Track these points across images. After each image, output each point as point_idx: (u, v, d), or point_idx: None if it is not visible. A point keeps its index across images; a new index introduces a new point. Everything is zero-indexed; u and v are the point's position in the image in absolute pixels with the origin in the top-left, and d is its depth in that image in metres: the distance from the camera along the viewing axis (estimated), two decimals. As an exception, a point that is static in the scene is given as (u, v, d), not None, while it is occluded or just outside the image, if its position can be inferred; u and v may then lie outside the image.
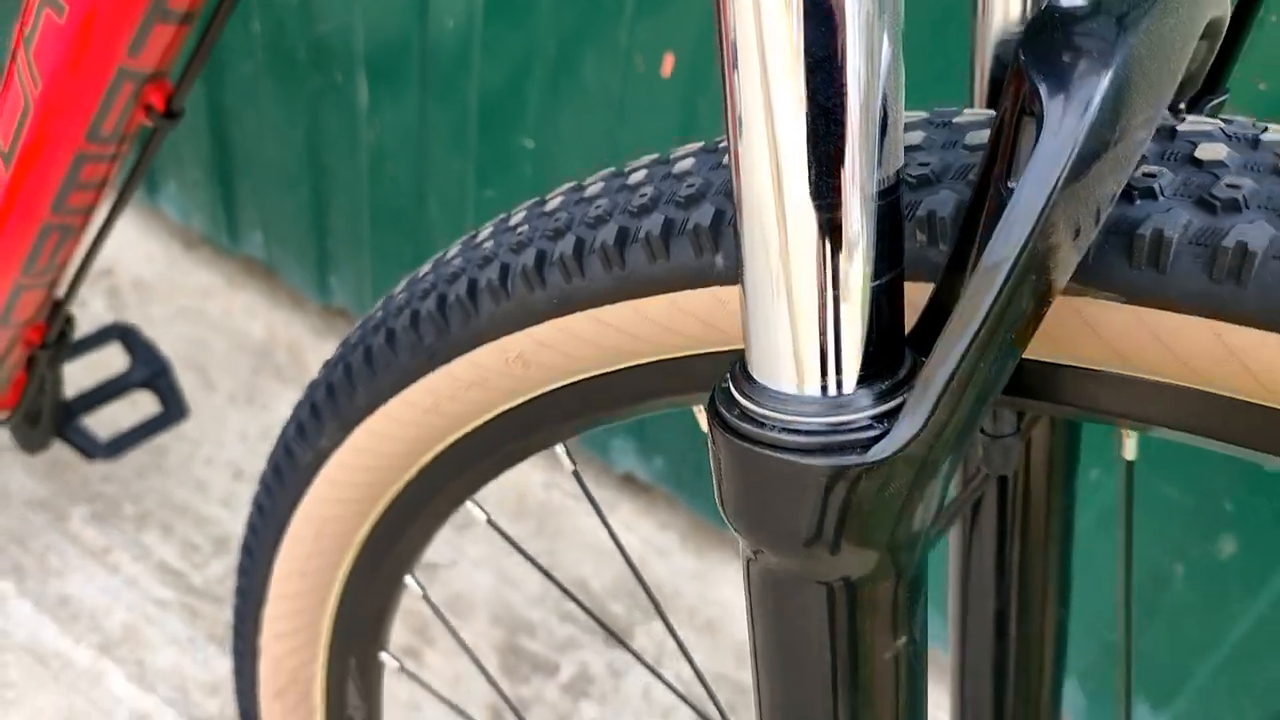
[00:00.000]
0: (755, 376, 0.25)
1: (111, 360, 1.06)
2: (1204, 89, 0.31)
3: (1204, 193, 0.24)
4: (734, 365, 0.25)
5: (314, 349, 1.33)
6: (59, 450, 1.02)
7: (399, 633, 1.04)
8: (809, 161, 0.22)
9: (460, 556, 1.12)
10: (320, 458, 0.45)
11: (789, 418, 0.24)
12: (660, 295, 0.32)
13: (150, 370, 1.03)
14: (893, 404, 0.24)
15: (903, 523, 0.25)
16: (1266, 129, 0.26)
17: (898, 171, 0.23)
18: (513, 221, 0.37)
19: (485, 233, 0.38)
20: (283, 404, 1.26)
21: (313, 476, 0.46)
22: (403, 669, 0.55)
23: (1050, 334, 0.26)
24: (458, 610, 1.08)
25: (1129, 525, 0.42)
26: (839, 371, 0.24)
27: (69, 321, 0.83)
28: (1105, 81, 0.22)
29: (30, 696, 0.97)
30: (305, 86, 1.11)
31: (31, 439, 0.92)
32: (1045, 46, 0.23)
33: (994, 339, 0.23)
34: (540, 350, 0.36)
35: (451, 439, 0.41)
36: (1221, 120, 0.26)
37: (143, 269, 1.39)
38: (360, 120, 1.10)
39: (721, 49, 0.22)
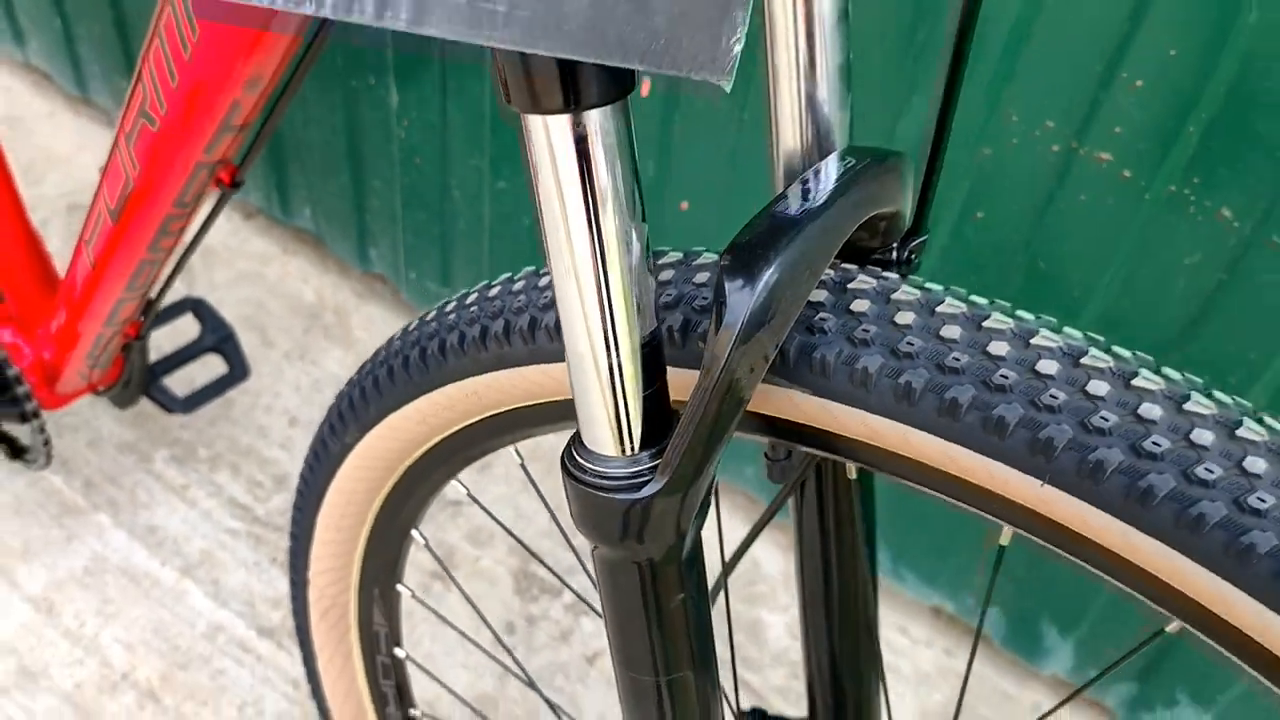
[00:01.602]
0: (584, 442, 0.41)
1: (186, 328, 1.25)
2: (910, 232, 0.46)
3: (850, 333, 0.40)
4: (574, 434, 0.42)
5: (356, 311, 1.51)
6: (143, 403, 1.22)
7: (429, 563, 1.23)
8: (603, 325, 0.38)
9: (481, 494, 1.30)
10: (347, 448, 0.62)
11: (602, 469, 0.41)
12: (558, 362, 0.48)
13: (218, 337, 1.22)
14: (659, 460, 0.40)
15: (673, 526, 0.41)
16: (899, 289, 0.41)
17: (654, 327, 0.39)
18: (469, 300, 0.53)
19: (452, 304, 0.54)
20: (329, 360, 1.45)
21: (342, 460, 0.63)
22: (414, 596, 0.73)
23: (773, 403, 0.42)
24: (479, 540, 1.27)
25: (868, 537, 0.57)
26: (628, 441, 0.40)
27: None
28: (771, 271, 0.37)
29: (126, 610, 1.18)
30: (344, 89, 1.27)
31: (122, 398, 1.11)
32: (740, 246, 0.38)
33: (713, 421, 0.39)
34: (486, 389, 0.52)
35: (433, 441, 0.58)
36: (876, 280, 0.42)
37: (209, 236, 1.58)
38: (392, 119, 1.26)
39: (548, 250, 0.38)
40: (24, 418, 0.94)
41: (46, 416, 1.01)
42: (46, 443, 1.00)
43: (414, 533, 0.68)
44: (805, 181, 0.43)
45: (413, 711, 0.81)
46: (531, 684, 0.72)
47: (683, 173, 1.04)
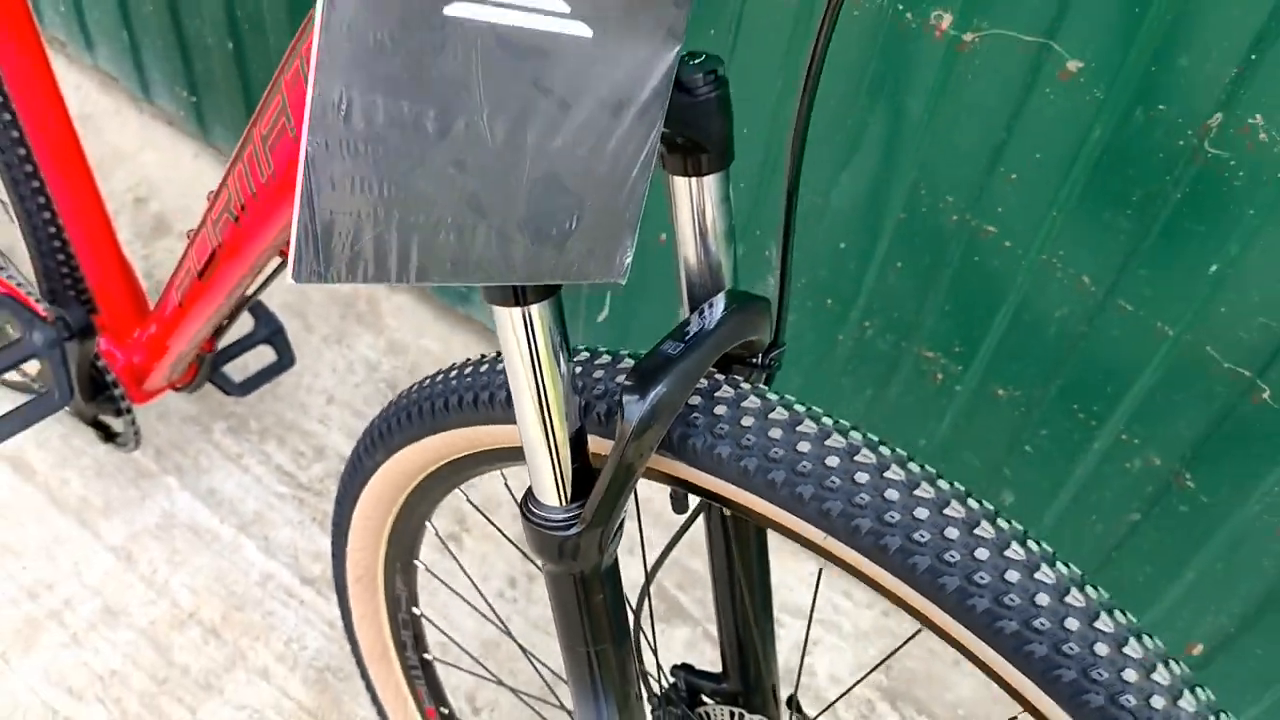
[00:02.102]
0: (535, 495, 0.62)
1: (244, 322, 1.45)
2: (771, 345, 0.66)
3: (711, 428, 0.60)
4: (528, 489, 0.62)
5: (386, 299, 1.71)
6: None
7: (447, 529, 1.45)
8: (545, 427, 0.58)
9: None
10: (376, 465, 0.83)
11: (546, 515, 0.61)
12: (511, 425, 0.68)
13: (270, 330, 1.42)
14: (582, 509, 0.61)
15: (595, 550, 0.62)
16: (747, 398, 0.61)
17: (578, 426, 0.59)
18: (451, 374, 0.73)
19: (439, 377, 0.74)
20: (362, 344, 1.66)
21: (372, 474, 0.84)
22: (427, 570, 0.94)
23: (666, 467, 0.63)
24: (489, 506, 1.48)
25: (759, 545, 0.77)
26: (563, 497, 0.61)
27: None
28: (659, 388, 0.57)
29: (191, 559, 1.41)
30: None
31: (190, 387, 1.32)
32: (639, 369, 0.58)
33: (618, 487, 0.59)
34: (469, 436, 0.73)
35: (435, 466, 0.79)
36: (734, 390, 0.61)
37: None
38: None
39: (511, 380, 0.58)
40: (118, 412, 1.15)
41: (133, 411, 1.22)
42: (135, 431, 1.22)
43: (427, 524, 0.89)
44: (700, 315, 0.63)
45: (425, 655, 1.03)
46: (507, 632, 0.94)
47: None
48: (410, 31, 0.43)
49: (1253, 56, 0.78)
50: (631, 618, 0.73)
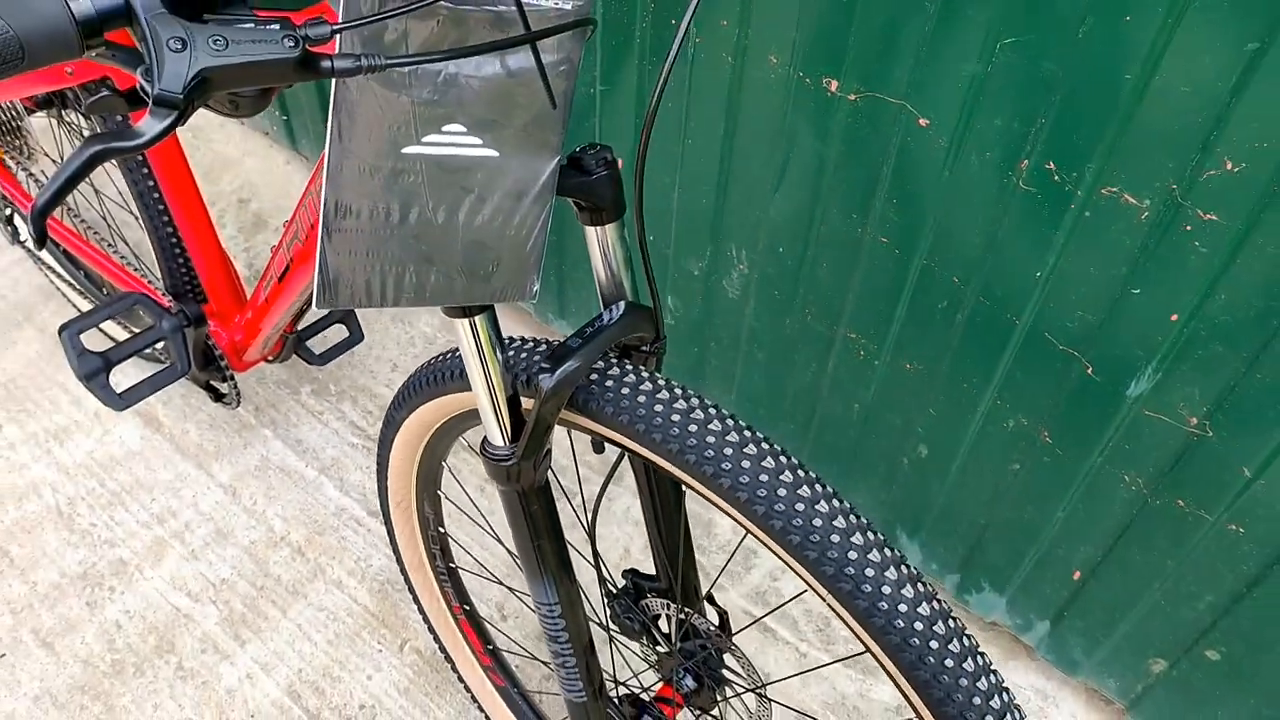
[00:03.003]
0: (488, 439, 0.93)
1: (320, 305, 1.80)
2: (654, 339, 0.95)
3: (602, 395, 0.90)
4: (484, 437, 0.93)
5: (442, 284, 2.04)
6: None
7: (470, 474, 1.77)
8: (490, 395, 0.89)
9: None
10: (402, 419, 1.15)
11: (495, 452, 0.92)
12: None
13: (343, 312, 1.76)
14: (517, 446, 0.91)
15: (530, 474, 0.93)
16: (629, 374, 0.91)
17: (512, 392, 0.90)
18: (439, 359, 1.04)
19: (433, 360, 1.06)
20: (421, 322, 1.99)
21: (400, 425, 1.16)
22: (445, 498, 1.26)
23: (574, 418, 0.93)
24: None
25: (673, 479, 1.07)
26: (505, 438, 0.92)
27: (299, 302, 1.55)
28: (568, 364, 0.88)
29: (283, 495, 1.76)
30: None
31: (278, 358, 1.67)
32: (555, 352, 0.88)
33: (540, 433, 0.90)
34: (448, 403, 1.04)
35: (441, 421, 1.11)
36: (619, 370, 0.91)
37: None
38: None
39: (465, 360, 0.89)
40: (224, 379, 1.50)
41: (235, 377, 1.57)
42: (237, 393, 1.57)
43: (444, 463, 1.22)
44: (602, 316, 0.93)
45: (451, 564, 1.35)
46: (498, 539, 1.25)
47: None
48: (382, 161, 0.74)
49: (1041, 120, 1.04)
50: (590, 540, 1.04)
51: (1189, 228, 1.02)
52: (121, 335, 1.72)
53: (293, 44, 0.56)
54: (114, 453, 1.79)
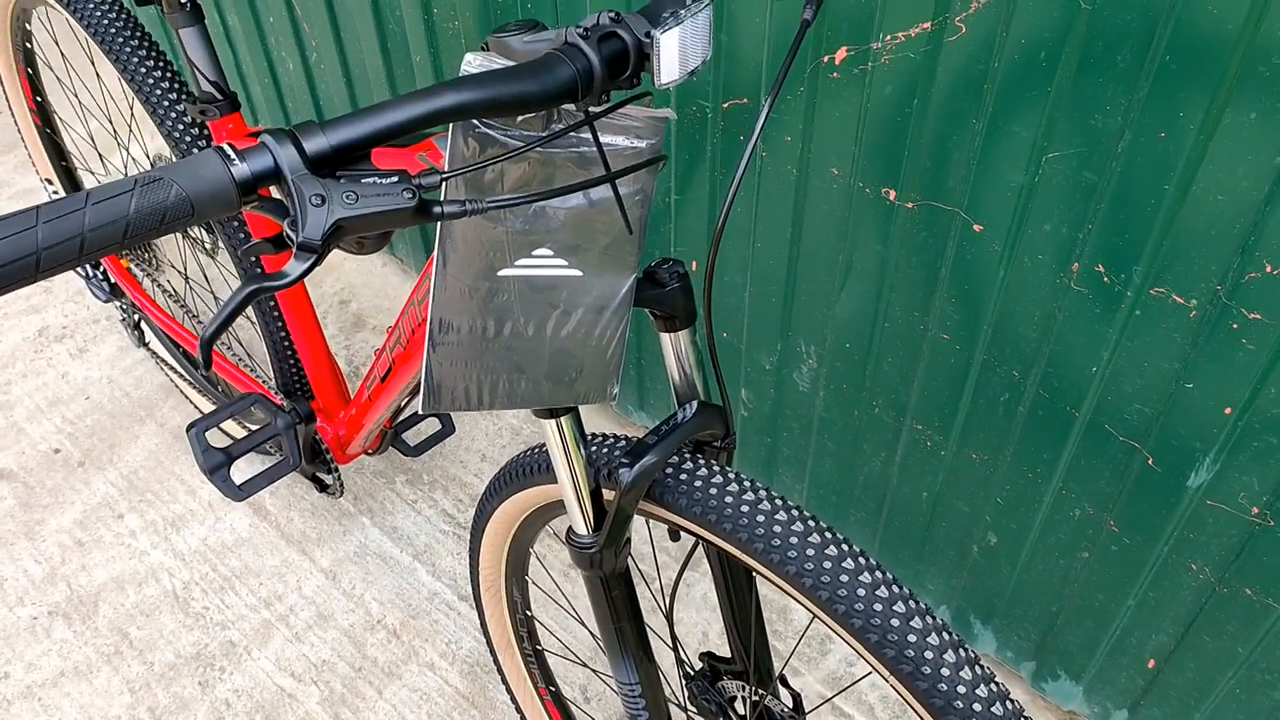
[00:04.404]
0: (573, 529, 1.01)
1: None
2: (725, 435, 1.03)
3: (678, 489, 0.98)
4: (569, 527, 1.02)
5: (528, 378, 2.15)
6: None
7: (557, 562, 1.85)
8: (574, 488, 0.98)
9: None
10: (493, 509, 1.24)
11: (579, 540, 1.00)
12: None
13: (435, 406, 1.88)
14: (599, 535, 0.99)
15: (612, 562, 1.01)
16: (701, 469, 0.98)
17: (594, 486, 0.99)
18: (527, 453, 1.14)
19: (522, 455, 1.15)
20: (507, 415, 2.10)
21: (491, 515, 1.25)
22: (533, 583, 1.34)
23: (652, 509, 1.01)
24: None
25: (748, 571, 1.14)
26: (588, 528, 1.00)
27: (397, 398, 1.67)
28: (647, 458, 0.96)
29: (379, 579, 1.86)
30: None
31: (377, 451, 1.78)
32: (635, 447, 0.97)
33: (620, 522, 0.98)
34: (536, 494, 1.13)
35: (528, 512, 1.19)
36: (694, 464, 0.99)
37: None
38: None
39: (554, 461, 0.98)
40: (329, 470, 1.62)
41: (338, 469, 1.69)
42: (340, 483, 1.68)
43: (531, 550, 1.30)
44: (677, 414, 1.01)
45: (538, 646, 1.43)
46: (580, 621, 1.32)
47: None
48: (480, 283, 0.84)
49: (1089, 225, 1.11)
50: (669, 627, 1.11)
51: (1235, 326, 1.07)
52: (238, 432, 1.85)
53: (410, 195, 0.66)
54: (225, 540, 1.91)
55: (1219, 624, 1.31)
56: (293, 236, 0.64)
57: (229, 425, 1.96)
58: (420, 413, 0.85)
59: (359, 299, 2.35)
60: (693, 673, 1.25)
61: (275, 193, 0.68)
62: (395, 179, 0.67)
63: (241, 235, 1.50)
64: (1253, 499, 1.18)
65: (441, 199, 0.71)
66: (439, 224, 0.80)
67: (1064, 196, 1.12)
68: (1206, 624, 1.33)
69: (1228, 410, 1.13)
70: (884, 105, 1.21)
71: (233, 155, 0.63)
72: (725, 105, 1.39)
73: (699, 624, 1.76)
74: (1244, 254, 1.02)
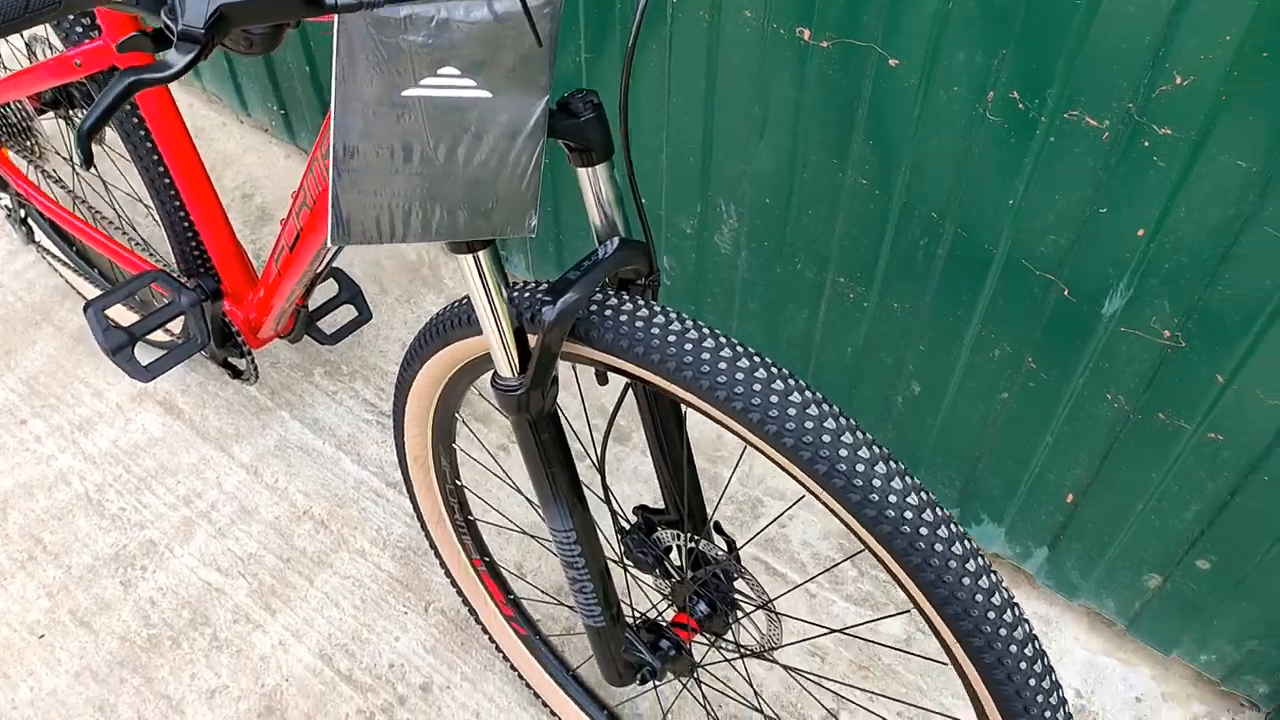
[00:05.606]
0: (498, 373, 0.99)
1: (330, 288, 1.86)
2: (649, 272, 1.01)
3: (602, 323, 0.96)
4: (493, 371, 0.99)
5: (445, 265, 2.11)
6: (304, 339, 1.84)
7: (498, 436, 1.83)
8: (498, 330, 0.96)
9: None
10: (416, 372, 1.21)
11: (505, 383, 0.98)
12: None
13: (351, 293, 1.81)
14: (524, 377, 0.97)
15: (538, 404, 0.99)
16: (625, 303, 0.97)
17: (517, 325, 0.96)
18: (446, 309, 1.11)
19: (441, 312, 1.12)
20: (427, 302, 2.06)
21: (414, 378, 1.22)
22: (463, 451, 1.32)
23: (576, 350, 0.99)
24: (529, 424, 1.86)
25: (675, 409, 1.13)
26: (513, 370, 0.98)
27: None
28: (568, 297, 0.94)
29: (303, 471, 1.83)
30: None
31: (293, 338, 1.73)
32: (555, 285, 0.95)
33: (545, 362, 0.96)
34: (458, 350, 1.10)
35: (453, 370, 1.17)
36: (617, 299, 0.97)
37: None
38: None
39: (475, 303, 0.95)
40: (241, 354, 1.57)
41: (254, 353, 1.64)
42: (255, 369, 1.63)
43: (456, 415, 1.28)
44: (597, 251, 0.99)
45: (469, 516, 1.42)
46: (515, 487, 1.31)
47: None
48: (384, 104, 0.80)
49: (1003, 51, 1.10)
50: (599, 473, 1.10)
51: (1147, 144, 1.08)
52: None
53: (301, -19, 0.62)
54: (137, 440, 1.85)
55: (1133, 452, 1.35)
56: (171, 25, 0.59)
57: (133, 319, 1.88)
58: (329, 244, 0.81)
59: (262, 192, 2.27)
60: (628, 526, 1.25)
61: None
62: (285, -34, 0.63)
63: (127, 108, 1.41)
64: (1164, 322, 1.20)
65: (337, -9, 0.67)
66: (335, 36, 0.76)
67: (978, 22, 1.10)
68: (1122, 453, 1.37)
69: (1140, 232, 1.14)
70: (796, -63, 1.18)
71: (101, -69, 0.58)
72: (633, -49, 1.34)
73: (631, 496, 1.77)
74: (1154, 67, 1.02)
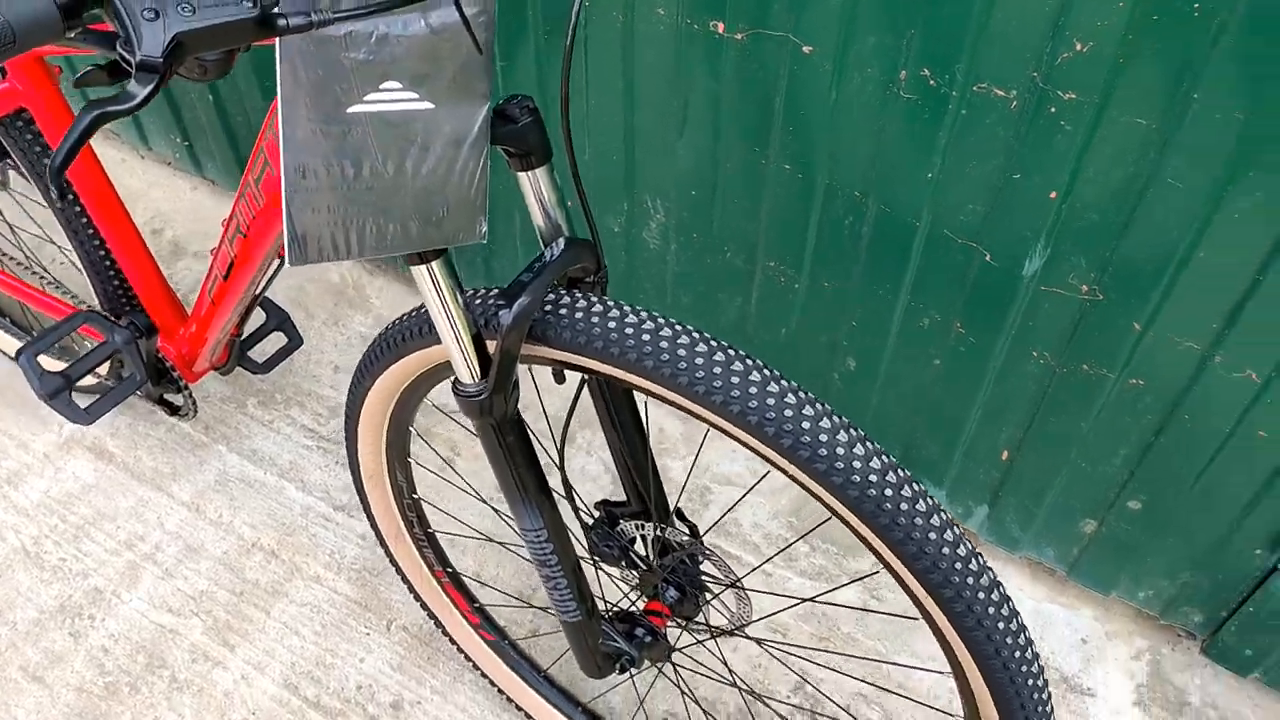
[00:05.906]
0: (459, 379, 1.00)
1: (258, 316, 1.83)
2: (596, 269, 1.04)
3: (557, 322, 0.98)
4: (454, 377, 1.01)
5: (370, 284, 2.09)
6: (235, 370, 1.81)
7: (446, 446, 1.83)
8: (455, 336, 0.97)
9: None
10: (368, 388, 1.21)
11: (466, 389, 0.99)
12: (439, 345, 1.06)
13: (279, 320, 1.79)
14: (486, 381, 0.99)
15: (501, 407, 1.00)
16: (579, 301, 0.99)
17: (475, 331, 0.98)
18: (399, 320, 1.11)
19: (393, 323, 1.12)
20: (354, 322, 2.04)
21: (366, 394, 1.22)
22: (417, 463, 1.33)
23: (535, 351, 1.01)
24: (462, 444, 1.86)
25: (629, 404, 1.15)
26: (474, 375, 0.99)
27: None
28: (522, 300, 0.95)
29: (247, 503, 1.80)
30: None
31: (225, 370, 1.71)
32: (508, 290, 0.96)
33: (505, 364, 0.97)
34: (412, 362, 1.11)
35: (408, 382, 1.17)
36: (570, 298, 0.99)
37: (255, 240, 2.16)
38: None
39: (432, 315, 0.96)
40: (178, 390, 1.54)
41: (188, 388, 1.61)
42: (193, 403, 1.61)
43: (410, 428, 1.28)
44: (544, 254, 1.01)
45: (429, 529, 1.42)
46: (479, 497, 1.32)
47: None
48: (330, 124, 0.81)
49: (911, 31, 1.15)
50: (560, 469, 1.12)
51: (1053, 110, 1.13)
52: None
53: (251, 4, 0.63)
54: (70, 489, 1.81)
55: (1062, 404, 1.42)
56: (128, 58, 0.60)
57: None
58: (289, 264, 0.82)
59: (172, 226, 2.22)
60: (591, 521, 1.26)
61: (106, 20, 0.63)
62: (234, -9, 0.64)
63: (38, 149, 1.39)
64: (1081, 278, 1.27)
65: (285, 10, 0.68)
66: (278, 59, 0.76)
67: (886, 5, 1.15)
68: (1051, 406, 1.43)
69: (1053, 195, 1.20)
70: (704, -66, 1.21)
71: (53, -29, 0.58)
72: (543, -43, 1.36)
73: (589, 495, 1.78)
74: (1055, 35, 1.08)
